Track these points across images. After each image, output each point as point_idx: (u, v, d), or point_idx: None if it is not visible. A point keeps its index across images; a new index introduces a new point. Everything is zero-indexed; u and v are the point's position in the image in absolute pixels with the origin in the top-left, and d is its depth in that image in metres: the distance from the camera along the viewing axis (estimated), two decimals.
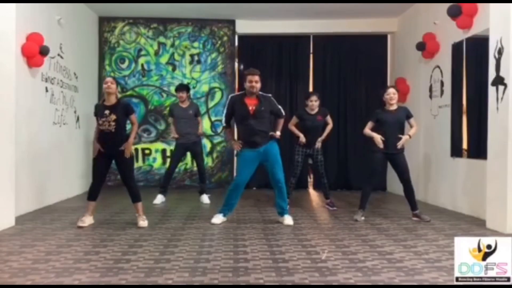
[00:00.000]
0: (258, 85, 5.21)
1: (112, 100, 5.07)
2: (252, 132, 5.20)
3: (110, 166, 5.26)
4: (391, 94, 5.66)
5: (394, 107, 5.69)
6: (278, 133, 5.40)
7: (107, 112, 4.96)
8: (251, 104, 5.22)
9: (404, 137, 5.61)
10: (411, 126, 5.76)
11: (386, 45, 9.16)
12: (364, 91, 9.04)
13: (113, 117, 4.95)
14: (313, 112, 6.48)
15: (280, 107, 5.49)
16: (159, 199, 6.89)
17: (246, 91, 5.28)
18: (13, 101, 5.18)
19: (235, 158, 9.02)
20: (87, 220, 5.13)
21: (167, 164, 8.96)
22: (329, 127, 6.62)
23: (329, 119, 6.62)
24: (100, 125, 4.97)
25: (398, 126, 5.67)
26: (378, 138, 5.56)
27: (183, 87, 7.11)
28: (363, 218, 5.64)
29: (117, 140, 5.05)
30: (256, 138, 5.21)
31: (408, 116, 5.73)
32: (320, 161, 6.50)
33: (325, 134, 6.57)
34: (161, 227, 5.15)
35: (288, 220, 5.39)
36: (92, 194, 5.17)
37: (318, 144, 6.47)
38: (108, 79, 5.12)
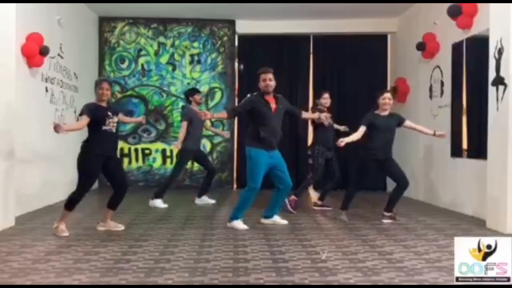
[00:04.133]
0: (273, 83, 5.09)
1: (106, 102, 4.98)
2: (273, 132, 5.09)
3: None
4: (387, 100, 5.46)
5: (387, 112, 5.52)
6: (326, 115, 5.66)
7: (109, 113, 4.87)
8: (271, 102, 5.13)
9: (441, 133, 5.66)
10: (412, 128, 5.64)
11: (386, 45, 9.16)
12: (364, 91, 9.02)
13: (115, 118, 4.92)
14: (325, 110, 6.39)
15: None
16: (160, 203, 6.61)
17: (263, 91, 5.12)
18: (13, 101, 5.18)
19: (235, 159, 9.03)
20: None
21: (168, 165, 8.98)
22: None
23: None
24: (106, 125, 4.81)
25: (390, 132, 5.49)
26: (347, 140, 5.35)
27: (199, 90, 7.20)
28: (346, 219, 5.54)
29: (116, 140, 5.07)
30: (274, 139, 5.10)
31: (401, 121, 5.56)
32: (337, 169, 6.43)
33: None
34: (161, 227, 5.15)
35: (280, 219, 5.39)
36: (77, 203, 4.78)
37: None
38: (104, 84, 4.85)
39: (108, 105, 5.04)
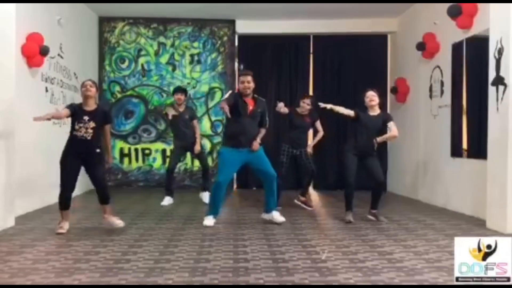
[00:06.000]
0: (251, 85, 5.24)
1: (92, 104, 4.75)
2: (242, 131, 5.20)
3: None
4: (371, 97, 5.47)
5: (376, 112, 5.51)
6: (258, 141, 5.30)
7: (86, 118, 4.63)
8: (250, 104, 5.27)
9: (381, 138, 5.45)
10: (389, 131, 5.48)
11: (386, 45, 9.15)
12: (364, 92, 9.02)
13: (92, 124, 4.65)
14: (303, 113, 6.42)
15: (267, 118, 5.47)
16: (167, 200, 6.74)
17: (240, 92, 5.29)
18: (13, 101, 5.18)
19: None
20: (66, 226, 4.80)
21: (167, 164, 9.00)
22: (320, 134, 6.55)
23: (319, 125, 6.55)
24: (76, 130, 4.66)
25: (375, 132, 5.47)
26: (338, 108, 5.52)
27: (182, 90, 7.07)
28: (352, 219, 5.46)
29: (91, 149, 4.75)
30: (242, 138, 5.22)
31: (387, 120, 5.49)
32: (309, 162, 6.43)
33: (315, 140, 6.61)
34: (161, 227, 5.16)
35: (278, 217, 5.39)
36: (67, 202, 4.77)
37: (309, 151, 6.46)
38: (87, 82, 4.77)
39: (96, 108, 4.79)
